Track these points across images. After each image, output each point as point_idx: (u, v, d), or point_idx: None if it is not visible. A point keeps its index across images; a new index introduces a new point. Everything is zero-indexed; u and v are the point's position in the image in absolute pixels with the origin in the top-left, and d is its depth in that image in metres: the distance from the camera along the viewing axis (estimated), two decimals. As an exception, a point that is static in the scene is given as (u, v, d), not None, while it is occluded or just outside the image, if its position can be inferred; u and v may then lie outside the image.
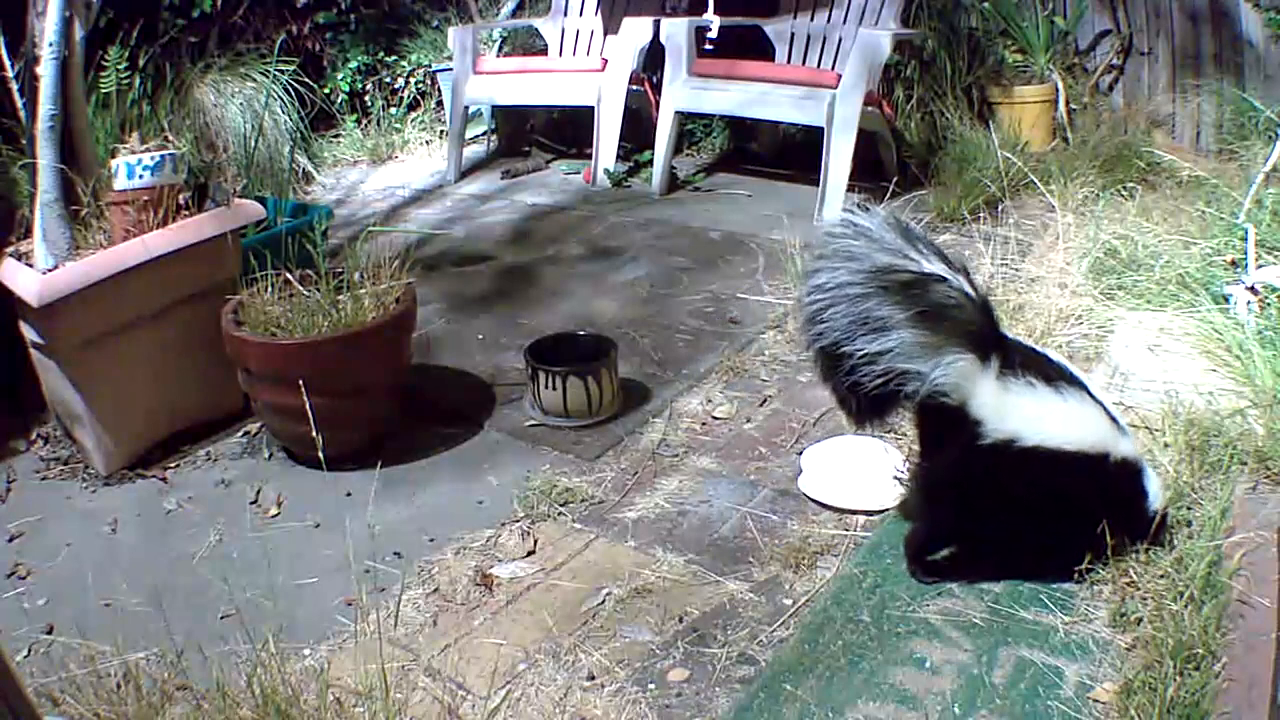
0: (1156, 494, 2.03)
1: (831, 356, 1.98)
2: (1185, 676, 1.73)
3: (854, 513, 2.40)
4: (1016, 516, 2.04)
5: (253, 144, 4.65)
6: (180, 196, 2.82)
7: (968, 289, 1.91)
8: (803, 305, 2.02)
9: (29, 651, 2.08)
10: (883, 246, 1.91)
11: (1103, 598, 2.03)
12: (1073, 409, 1.96)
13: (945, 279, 1.89)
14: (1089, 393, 2.00)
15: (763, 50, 5.18)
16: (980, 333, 1.94)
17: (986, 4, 5.18)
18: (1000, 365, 1.94)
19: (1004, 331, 2.04)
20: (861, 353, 1.93)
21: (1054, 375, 1.97)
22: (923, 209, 4.13)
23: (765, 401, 2.96)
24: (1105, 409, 2.00)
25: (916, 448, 2.28)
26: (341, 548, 2.24)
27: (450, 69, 5.40)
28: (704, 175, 5.25)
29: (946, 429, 2.01)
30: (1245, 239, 3.14)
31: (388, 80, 5.94)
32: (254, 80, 4.97)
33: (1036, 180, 3.94)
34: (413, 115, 6.01)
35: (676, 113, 4.85)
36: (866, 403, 2.01)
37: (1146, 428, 2.52)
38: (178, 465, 2.81)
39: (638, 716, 1.85)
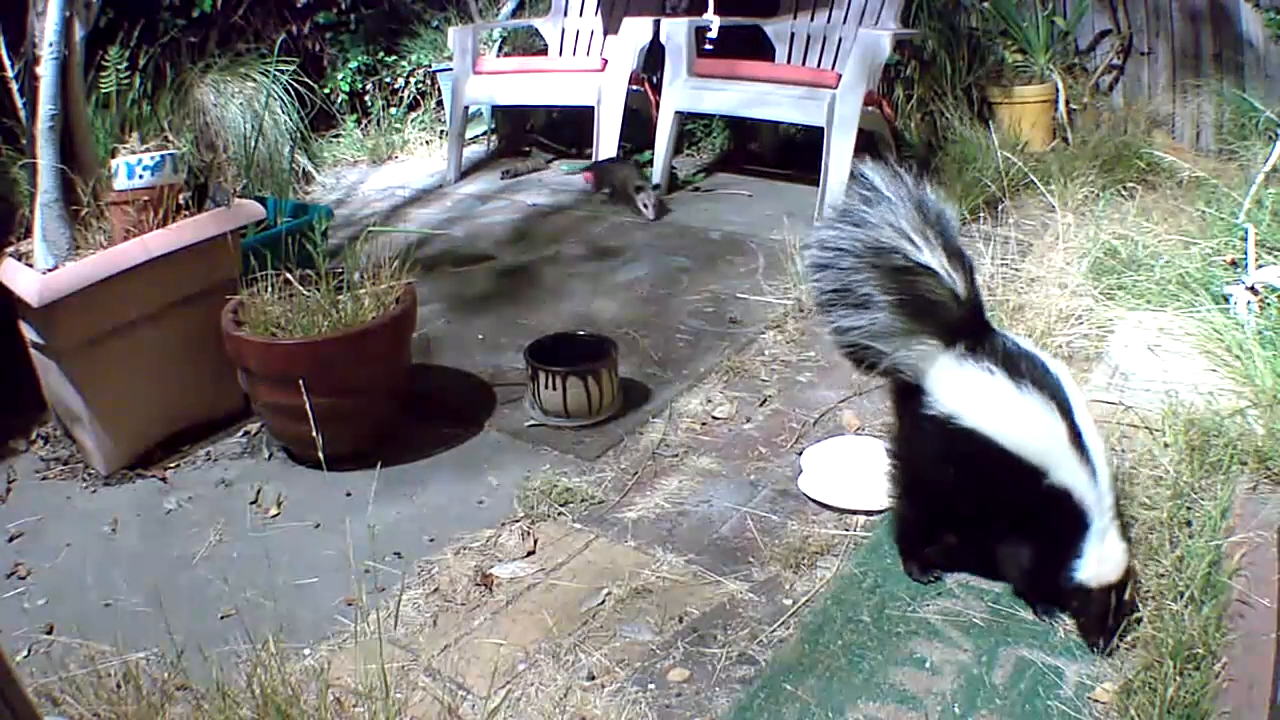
0: (1094, 563, 1.83)
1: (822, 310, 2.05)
2: (1185, 676, 1.73)
3: (854, 513, 2.41)
4: (965, 504, 2.02)
5: (253, 144, 4.65)
6: (180, 196, 2.82)
7: (958, 287, 1.90)
8: (808, 252, 2.05)
9: (29, 651, 2.08)
10: (892, 221, 1.89)
11: (1103, 598, 2.03)
12: (1025, 408, 1.87)
13: (936, 273, 1.89)
14: (1066, 411, 1.86)
15: (763, 50, 5.17)
16: (955, 325, 1.92)
17: (986, 4, 5.18)
18: (965, 348, 1.92)
19: (992, 326, 2.00)
20: (834, 324, 1.99)
21: (1025, 375, 1.88)
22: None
23: (765, 401, 2.96)
24: (1079, 435, 1.85)
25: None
26: (341, 548, 2.24)
27: (450, 69, 5.40)
28: (704, 175, 5.25)
29: (906, 401, 2.04)
30: (1245, 239, 3.14)
31: (388, 80, 5.94)
32: (254, 80, 4.96)
33: (1036, 180, 3.95)
34: (413, 115, 6.01)
35: (676, 113, 4.85)
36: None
37: (1146, 428, 2.52)
38: (178, 465, 2.81)
39: (638, 716, 1.85)
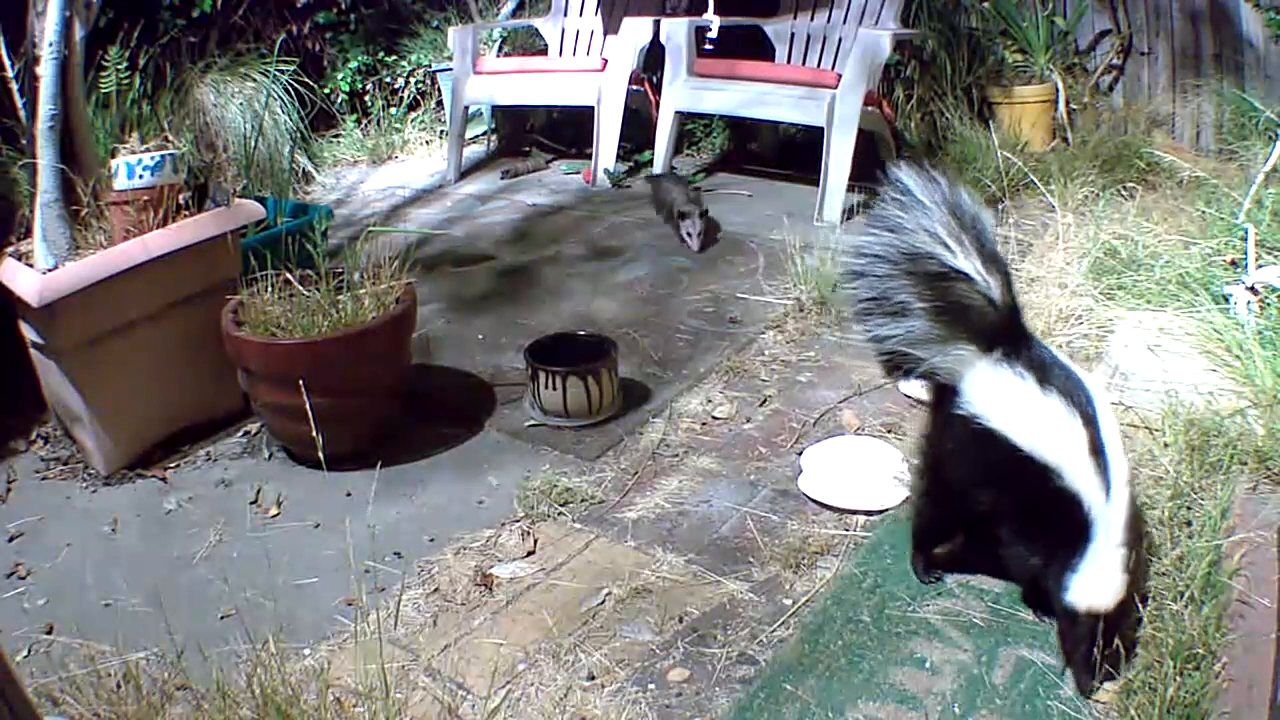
0: (1085, 584, 1.76)
1: (859, 319, 2.06)
2: (1185, 676, 1.72)
3: (854, 513, 2.40)
4: (982, 502, 2.00)
5: (253, 144, 4.65)
6: (180, 196, 2.82)
7: (993, 292, 1.87)
8: (843, 259, 2.07)
9: (29, 651, 2.08)
10: (927, 226, 1.88)
11: (1103, 598, 2.03)
12: (1047, 411, 1.83)
13: (971, 278, 1.87)
14: (1091, 422, 1.82)
15: (763, 50, 5.18)
16: (992, 331, 1.90)
17: (986, 4, 5.18)
18: (1002, 354, 1.90)
19: (1030, 334, 1.96)
20: (872, 333, 2.00)
21: (1054, 383, 1.85)
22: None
23: (765, 401, 2.96)
24: (1100, 447, 1.80)
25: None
26: (341, 548, 2.24)
27: (450, 69, 5.40)
28: (704, 175, 5.25)
29: (939, 401, 2.04)
30: (1245, 239, 3.14)
31: (388, 80, 5.94)
32: (254, 80, 4.97)
33: (1036, 180, 3.95)
34: (413, 115, 6.01)
35: (676, 113, 4.85)
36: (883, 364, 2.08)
37: (1146, 428, 2.52)
38: (178, 465, 2.81)
39: (638, 716, 1.85)
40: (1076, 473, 1.80)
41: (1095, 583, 1.76)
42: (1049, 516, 1.86)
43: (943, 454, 2.07)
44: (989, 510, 2.01)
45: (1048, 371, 1.88)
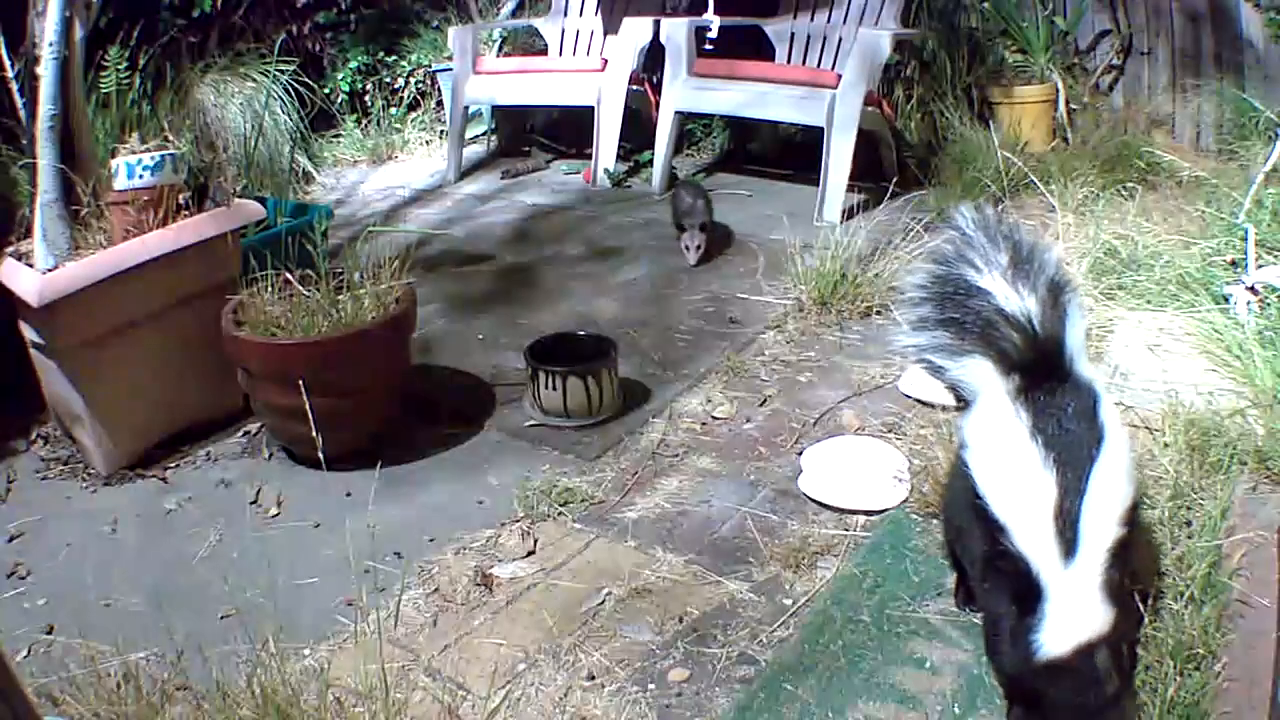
0: (1060, 622, 1.55)
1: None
2: (1185, 676, 1.73)
3: (854, 513, 2.40)
4: (961, 541, 1.95)
5: (253, 144, 4.65)
6: (180, 196, 2.82)
7: (1016, 310, 1.82)
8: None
9: (29, 651, 2.08)
10: (963, 254, 1.95)
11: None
12: (1019, 463, 1.68)
13: (989, 294, 1.87)
14: (1075, 487, 1.62)
15: (763, 50, 5.18)
16: (1014, 350, 1.83)
17: (986, 4, 5.17)
18: (1020, 385, 1.79)
19: (1073, 373, 1.81)
20: (901, 344, 2.11)
21: (1050, 431, 1.69)
22: (923, 209, 4.13)
23: (765, 401, 2.96)
24: (1073, 514, 1.60)
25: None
26: (341, 548, 2.24)
27: (450, 69, 5.40)
28: (704, 175, 5.25)
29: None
30: (1245, 239, 3.14)
31: (388, 80, 5.94)
32: (254, 80, 4.97)
33: (1036, 180, 3.94)
34: (413, 115, 6.01)
35: (676, 113, 4.85)
36: None
37: (1146, 428, 2.52)
38: (178, 465, 2.81)
39: (638, 716, 1.85)
40: (1030, 536, 1.62)
41: (1073, 616, 1.56)
42: (998, 574, 1.71)
43: (953, 468, 2.04)
44: (961, 549, 1.94)
45: (1054, 419, 1.71)
